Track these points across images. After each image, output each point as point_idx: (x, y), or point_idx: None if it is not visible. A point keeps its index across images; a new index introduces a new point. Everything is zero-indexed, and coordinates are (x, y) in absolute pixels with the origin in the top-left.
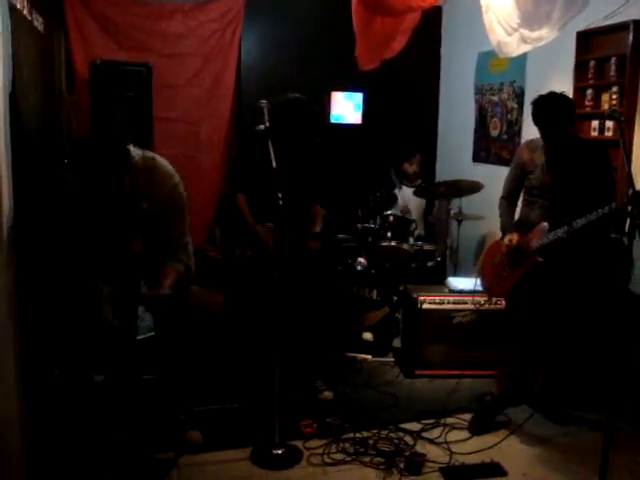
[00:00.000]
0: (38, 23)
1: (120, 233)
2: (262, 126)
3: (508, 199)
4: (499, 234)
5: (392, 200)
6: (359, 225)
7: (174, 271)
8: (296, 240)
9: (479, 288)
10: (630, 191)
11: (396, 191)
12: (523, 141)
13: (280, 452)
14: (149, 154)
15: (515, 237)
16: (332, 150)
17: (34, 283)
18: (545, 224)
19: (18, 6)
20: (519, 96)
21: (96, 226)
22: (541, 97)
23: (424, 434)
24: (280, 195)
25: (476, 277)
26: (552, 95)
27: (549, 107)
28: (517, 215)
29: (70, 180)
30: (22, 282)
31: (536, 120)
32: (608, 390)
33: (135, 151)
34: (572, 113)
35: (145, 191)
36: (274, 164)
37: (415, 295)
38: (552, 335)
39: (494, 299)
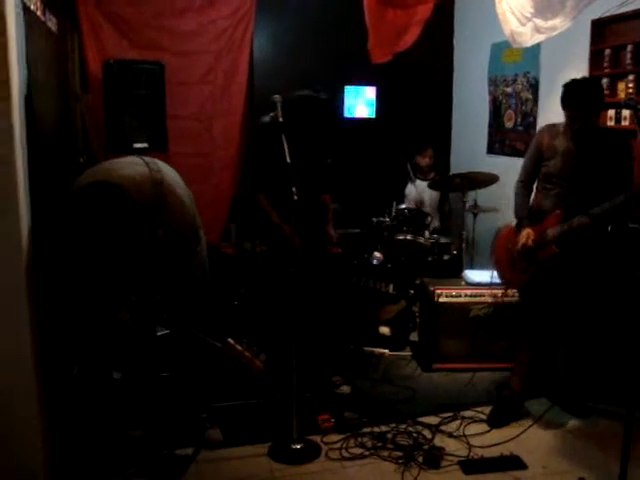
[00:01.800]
0: (52, 24)
1: (136, 255)
2: (267, 117)
3: (526, 183)
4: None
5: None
6: (374, 219)
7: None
8: (308, 234)
9: (496, 280)
10: None
11: (409, 185)
12: None
13: (299, 447)
14: (157, 175)
15: (531, 234)
16: (345, 144)
17: (52, 282)
18: (558, 212)
19: (32, 7)
20: (533, 87)
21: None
22: (576, 80)
23: (442, 427)
24: (294, 190)
25: (492, 269)
26: (587, 79)
27: (584, 90)
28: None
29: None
30: (40, 282)
31: (568, 102)
32: (628, 381)
33: (141, 172)
34: (602, 100)
35: (158, 219)
36: (288, 159)
37: (432, 288)
38: (569, 326)
39: (511, 291)
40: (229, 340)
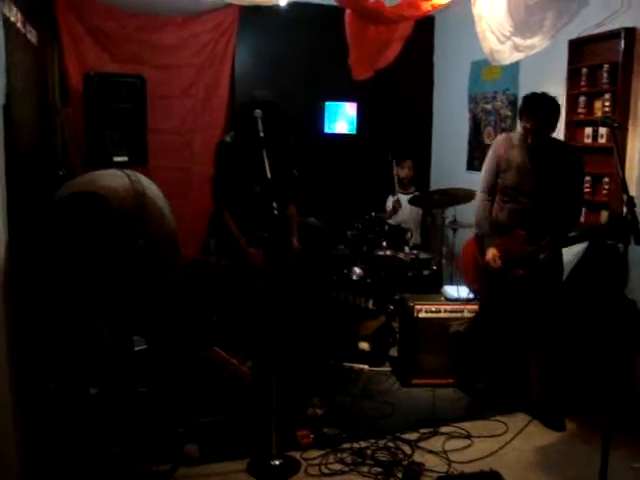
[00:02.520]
0: (32, 36)
1: (116, 266)
2: (228, 137)
3: (488, 194)
4: None
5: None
6: (348, 232)
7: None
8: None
9: (471, 295)
10: (624, 197)
11: (389, 199)
12: None
13: (278, 463)
14: (138, 186)
15: (497, 255)
16: (326, 160)
17: (28, 296)
18: (521, 232)
19: (12, 19)
20: (512, 104)
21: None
22: (536, 94)
23: (422, 443)
24: (275, 205)
25: (465, 285)
26: (546, 95)
27: (544, 103)
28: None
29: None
30: (17, 295)
31: (528, 114)
32: (605, 395)
33: (122, 184)
34: (558, 116)
35: (138, 230)
36: (268, 174)
37: (411, 304)
38: (538, 336)
39: None
40: (215, 348)
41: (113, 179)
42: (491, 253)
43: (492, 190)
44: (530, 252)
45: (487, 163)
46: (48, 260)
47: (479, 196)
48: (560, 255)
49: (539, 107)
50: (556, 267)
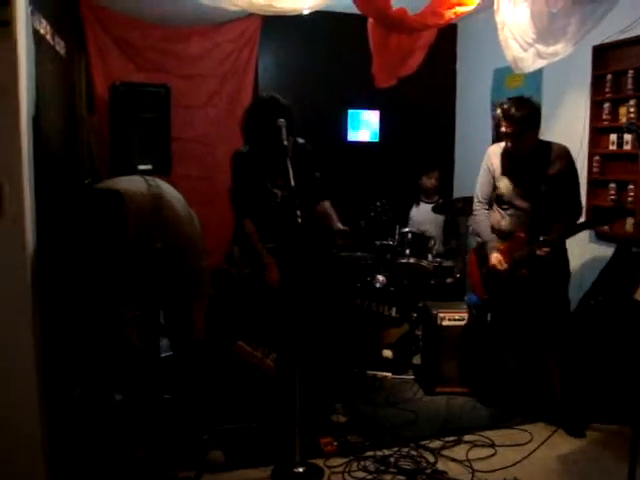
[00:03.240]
0: (60, 47)
1: (137, 268)
2: (244, 148)
3: (484, 205)
4: None
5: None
6: (377, 242)
7: (202, 306)
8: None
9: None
10: None
11: (414, 208)
12: None
13: (301, 470)
14: (156, 190)
15: (501, 259)
16: (349, 168)
17: (56, 303)
18: (522, 234)
19: (41, 31)
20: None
21: (102, 260)
22: (510, 99)
23: (445, 451)
24: (299, 213)
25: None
26: (522, 98)
27: (517, 106)
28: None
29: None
30: (44, 301)
31: (504, 118)
32: (631, 402)
33: (139, 191)
34: (538, 119)
35: (157, 233)
36: (292, 183)
37: (434, 312)
38: (553, 338)
39: None
40: (239, 342)
41: (130, 182)
42: (495, 257)
43: (488, 199)
44: (530, 251)
45: (481, 174)
46: (73, 261)
47: (476, 206)
48: (564, 253)
49: (513, 111)
50: (560, 264)
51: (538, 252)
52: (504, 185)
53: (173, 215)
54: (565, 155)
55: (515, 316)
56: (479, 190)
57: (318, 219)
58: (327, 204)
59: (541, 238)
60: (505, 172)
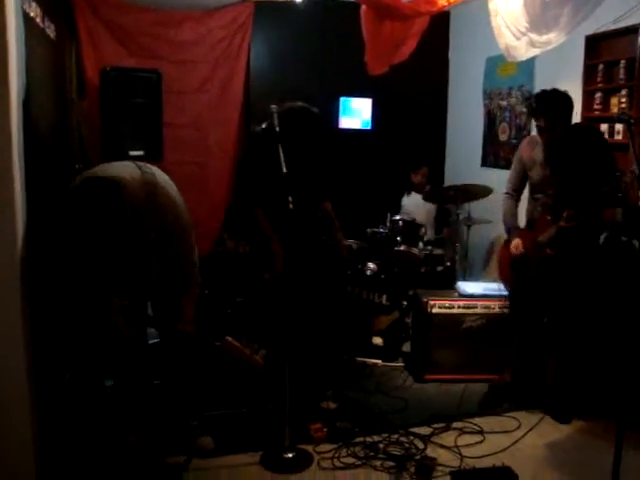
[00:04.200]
0: (50, 30)
1: (130, 258)
2: (260, 127)
3: (511, 195)
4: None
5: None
6: (368, 230)
7: (193, 296)
8: (309, 243)
9: (504, 292)
10: None
11: (405, 196)
12: None
13: (290, 456)
14: (150, 177)
15: (520, 243)
16: (340, 155)
17: (46, 289)
18: (548, 217)
19: (31, 14)
20: (528, 100)
21: (96, 250)
22: (545, 91)
23: (434, 438)
24: (290, 199)
25: (498, 283)
26: (555, 90)
27: (551, 100)
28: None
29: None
30: (34, 288)
31: (535, 112)
32: (620, 394)
33: (133, 174)
34: (568, 109)
35: (150, 221)
36: (284, 169)
37: (425, 300)
38: (561, 333)
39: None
40: (227, 338)
41: (123, 169)
42: (515, 242)
43: (517, 190)
44: (556, 229)
45: (513, 165)
46: (63, 250)
47: (503, 197)
48: (595, 234)
49: (547, 104)
50: (589, 242)
51: (561, 223)
52: (535, 174)
53: (168, 202)
54: (595, 135)
55: (533, 301)
56: (508, 182)
57: (319, 212)
58: (329, 205)
59: (564, 214)
60: (537, 162)
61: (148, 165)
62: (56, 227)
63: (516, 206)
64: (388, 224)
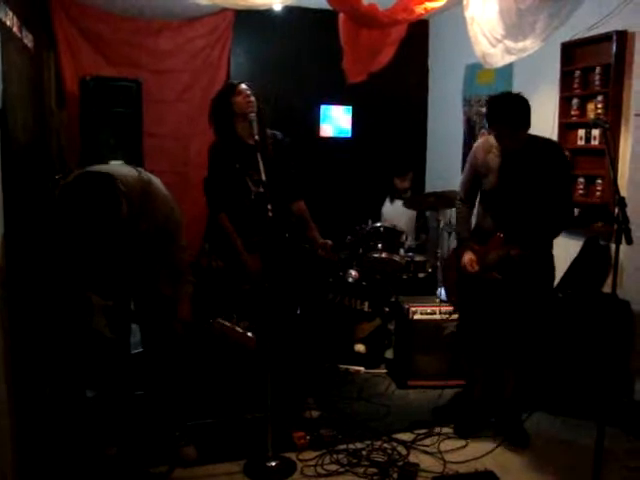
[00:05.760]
0: (28, 40)
1: (117, 251)
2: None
3: (465, 202)
4: None
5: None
6: (349, 237)
7: (187, 294)
8: (284, 246)
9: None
10: (617, 198)
11: (386, 203)
12: None
13: (274, 464)
14: (145, 176)
15: (474, 260)
16: (321, 163)
17: (25, 299)
18: (501, 235)
19: (8, 23)
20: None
21: (89, 245)
22: (496, 96)
23: (417, 444)
24: (270, 207)
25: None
26: (510, 94)
27: (508, 106)
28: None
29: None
30: (13, 297)
31: (491, 120)
32: (598, 395)
33: (130, 173)
34: (527, 115)
35: (143, 214)
36: (263, 177)
37: (406, 306)
38: (515, 348)
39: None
40: (218, 319)
41: (120, 168)
42: (467, 256)
43: (470, 198)
44: (505, 252)
45: (466, 170)
46: (48, 257)
47: (457, 204)
48: (549, 259)
49: (506, 110)
50: (540, 271)
51: (511, 252)
52: (489, 182)
53: (162, 199)
54: (557, 152)
55: (483, 324)
56: (461, 187)
57: (293, 216)
58: (303, 205)
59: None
60: (492, 168)
61: (141, 169)
62: (35, 234)
63: (470, 214)
64: (369, 229)
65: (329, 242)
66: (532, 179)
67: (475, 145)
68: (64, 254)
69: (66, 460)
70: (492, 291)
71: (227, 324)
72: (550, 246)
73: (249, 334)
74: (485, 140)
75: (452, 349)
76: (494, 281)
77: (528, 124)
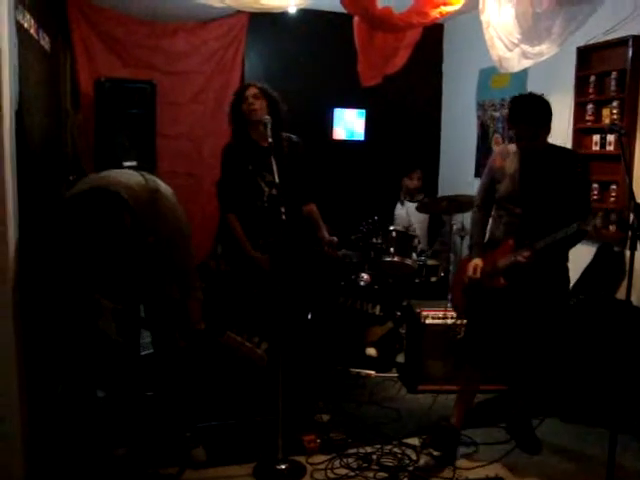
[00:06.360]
0: (45, 42)
1: (124, 260)
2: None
3: (481, 209)
4: None
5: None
6: (354, 236)
7: (198, 303)
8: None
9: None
10: (632, 204)
11: (398, 206)
12: None
13: (283, 467)
14: (152, 184)
15: (479, 266)
16: (334, 167)
17: (38, 300)
18: (510, 241)
19: (25, 25)
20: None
21: (95, 254)
22: (520, 96)
23: (427, 449)
24: (283, 210)
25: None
26: (532, 95)
27: (530, 105)
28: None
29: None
30: (26, 298)
31: (513, 120)
32: (611, 403)
33: (137, 182)
34: (549, 116)
35: (150, 226)
36: (277, 179)
37: (418, 310)
38: (518, 358)
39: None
40: (228, 332)
41: (127, 176)
42: (473, 262)
43: (486, 205)
44: (513, 258)
45: (483, 177)
46: (58, 259)
47: (472, 211)
48: (563, 269)
49: (521, 110)
50: (552, 280)
51: (519, 258)
52: (504, 187)
53: (169, 208)
54: (576, 161)
55: (489, 332)
56: (477, 193)
57: (304, 219)
58: (314, 207)
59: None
60: (507, 173)
61: (149, 174)
62: (51, 234)
63: (485, 222)
64: (382, 235)
65: (335, 239)
66: (548, 186)
67: (494, 153)
68: (73, 257)
69: (75, 460)
70: (498, 299)
71: (238, 339)
72: (565, 258)
73: (259, 351)
74: (504, 147)
75: (455, 352)
76: (500, 289)
77: (549, 125)
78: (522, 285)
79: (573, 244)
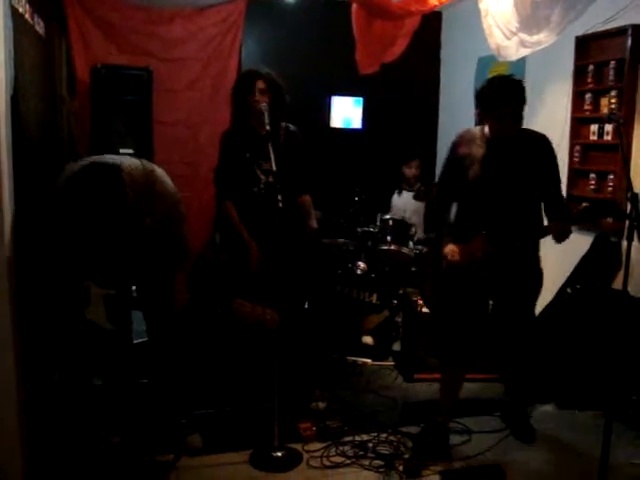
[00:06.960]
0: (40, 27)
1: (120, 240)
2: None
3: (445, 199)
4: None
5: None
6: (359, 229)
7: (185, 273)
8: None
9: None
10: (629, 194)
11: (395, 195)
12: None
13: (280, 455)
14: (149, 167)
15: (456, 250)
16: (331, 155)
17: (34, 288)
18: (484, 233)
19: (20, 10)
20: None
21: (92, 234)
22: (500, 77)
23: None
24: (280, 198)
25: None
26: (511, 76)
27: (510, 87)
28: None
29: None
30: (22, 287)
31: (494, 102)
32: (606, 391)
33: (133, 165)
34: (525, 94)
35: (147, 207)
36: (274, 167)
37: (415, 299)
38: (509, 347)
39: None
40: (237, 300)
41: (123, 158)
42: (449, 247)
43: (450, 195)
44: (487, 251)
45: (444, 166)
46: (50, 245)
47: (435, 202)
48: (535, 261)
49: (515, 90)
50: (527, 273)
51: (493, 250)
52: (473, 173)
53: (166, 188)
54: (547, 144)
55: (462, 322)
56: (439, 185)
57: (297, 209)
58: (308, 198)
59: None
60: (475, 159)
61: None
62: (46, 217)
63: (449, 211)
64: (378, 223)
65: (315, 226)
66: (517, 170)
67: (455, 137)
68: (63, 243)
69: (72, 447)
70: (473, 286)
71: (247, 304)
72: (536, 248)
73: (270, 314)
74: (466, 132)
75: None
76: (477, 277)
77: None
78: (498, 275)
79: (547, 233)
